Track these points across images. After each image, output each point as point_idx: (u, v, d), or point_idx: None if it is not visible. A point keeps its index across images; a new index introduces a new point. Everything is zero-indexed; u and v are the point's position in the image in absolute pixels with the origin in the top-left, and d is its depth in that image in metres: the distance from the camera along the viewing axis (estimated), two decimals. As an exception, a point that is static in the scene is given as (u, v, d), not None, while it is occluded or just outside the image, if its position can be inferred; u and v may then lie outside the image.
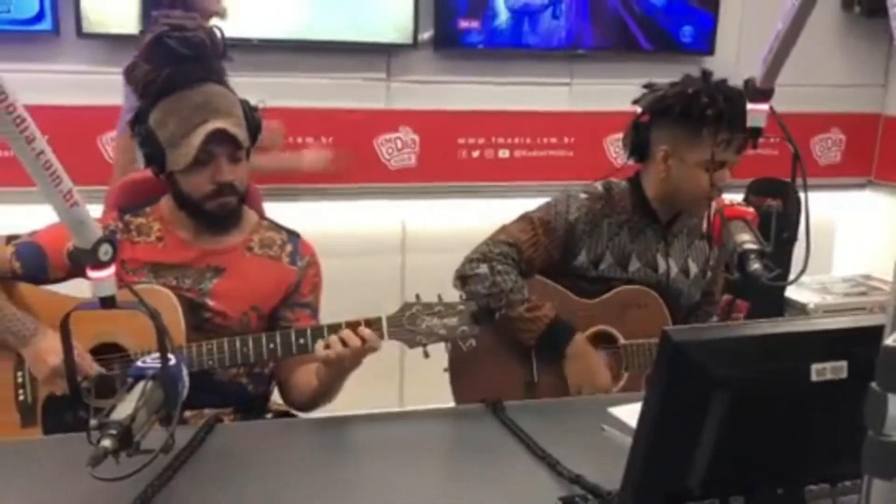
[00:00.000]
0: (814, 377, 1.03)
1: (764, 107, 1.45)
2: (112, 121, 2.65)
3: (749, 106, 1.46)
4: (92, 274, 1.16)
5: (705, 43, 3.11)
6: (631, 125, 1.85)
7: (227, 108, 1.62)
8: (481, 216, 2.72)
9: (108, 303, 1.17)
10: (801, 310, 3.05)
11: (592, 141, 3.10)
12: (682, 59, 2.98)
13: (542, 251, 1.84)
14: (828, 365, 1.02)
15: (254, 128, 1.67)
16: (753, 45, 3.12)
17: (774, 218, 1.48)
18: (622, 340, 1.84)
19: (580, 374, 1.79)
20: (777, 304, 3.03)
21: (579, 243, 1.84)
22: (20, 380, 1.61)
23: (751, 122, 1.46)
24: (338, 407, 1.66)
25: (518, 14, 2.95)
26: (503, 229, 1.87)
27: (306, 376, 1.65)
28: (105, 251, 1.15)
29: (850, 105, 3.36)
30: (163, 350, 1.19)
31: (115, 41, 2.60)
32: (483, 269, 1.79)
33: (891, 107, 3.43)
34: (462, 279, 1.82)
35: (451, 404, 1.84)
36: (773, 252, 1.45)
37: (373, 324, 1.55)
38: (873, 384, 0.75)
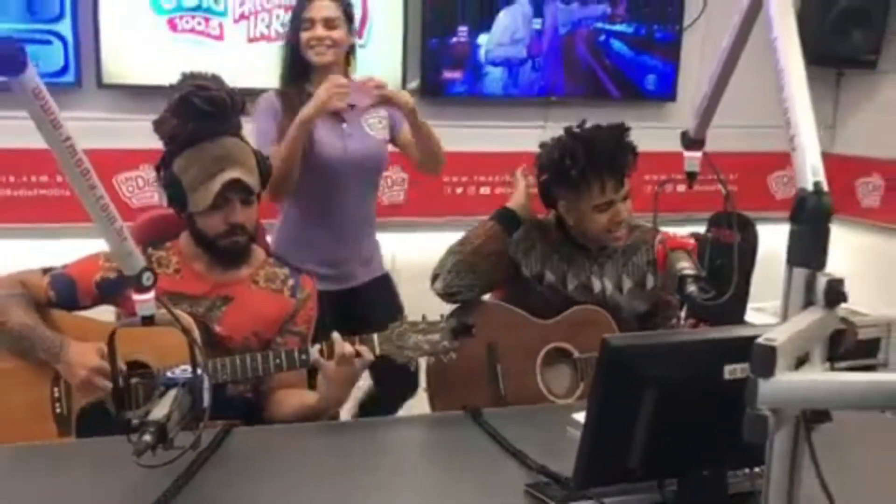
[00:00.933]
0: (726, 376, 1.27)
1: (698, 154, 1.70)
2: (127, 162, 2.91)
3: (686, 153, 1.72)
4: (136, 297, 1.37)
5: (668, 90, 3.38)
6: (536, 183, 2.11)
7: (243, 158, 1.85)
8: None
9: (148, 321, 1.40)
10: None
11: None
12: (647, 105, 3.24)
13: (494, 265, 2.05)
14: (738, 366, 1.25)
15: (265, 174, 1.91)
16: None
17: (708, 248, 1.72)
18: (576, 354, 2.05)
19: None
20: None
21: (520, 262, 2.07)
22: (56, 394, 1.80)
23: (687, 167, 1.71)
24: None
25: (498, 66, 3.21)
26: (465, 240, 2.10)
27: (292, 394, 1.85)
28: (147, 277, 1.37)
29: (803, 145, 3.63)
30: (193, 361, 1.41)
31: (132, 91, 2.83)
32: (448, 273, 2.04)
33: (838, 146, 3.71)
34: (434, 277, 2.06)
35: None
36: (735, 280, 1.66)
37: (366, 341, 1.77)
38: (750, 371, 0.99)
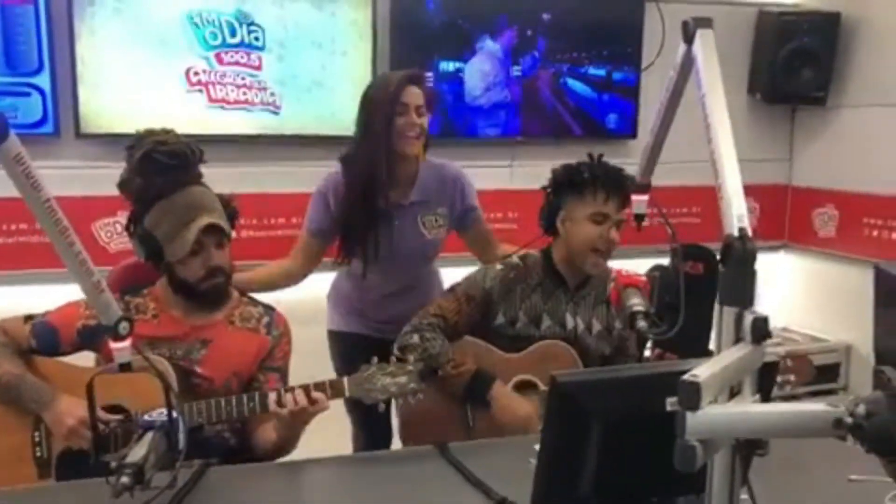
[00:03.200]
0: (669, 408, 1.35)
1: (644, 197, 1.81)
2: (105, 209, 2.96)
3: (634, 197, 1.82)
4: (113, 345, 1.45)
5: (628, 128, 3.51)
6: (543, 202, 2.24)
7: (211, 204, 1.94)
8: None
9: (125, 368, 1.47)
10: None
11: (533, 214, 3.46)
12: (609, 142, 3.36)
13: (464, 316, 2.17)
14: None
15: (231, 217, 1.99)
16: (672, 127, 3.53)
17: (657, 284, 1.82)
18: (542, 387, 2.14)
19: (503, 411, 2.09)
20: (702, 356, 3.36)
21: (495, 306, 2.18)
22: (37, 439, 1.86)
23: (635, 209, 1.82)
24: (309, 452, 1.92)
25: (467, 109, 3.34)
26: (434, 302, 2.23)
27: (268, 431, 1.91)
28: (124, 327, 1.44)
29: (761, 177, 3.74)
30: (169, 405, 1.48)
31: (109, 140, 2.87)
32: (415, 338, 2.12)
33: (796, 178, 3.83)
34: (400, 349, 2.12)
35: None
36: (696, 314, 1.76)
37: (335, 384, 1.84)
38: (678, 405, 1.08)
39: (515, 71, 3.35)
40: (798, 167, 3.83)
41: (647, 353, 2.36)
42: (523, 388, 2.17)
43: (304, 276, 2.40)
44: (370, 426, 2.49)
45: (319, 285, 2.61)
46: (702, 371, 1.07)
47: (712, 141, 1.36)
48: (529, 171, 3.39)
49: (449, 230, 2.45)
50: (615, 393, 1.36)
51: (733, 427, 1.08)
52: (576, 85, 3.43)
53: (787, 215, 3.86)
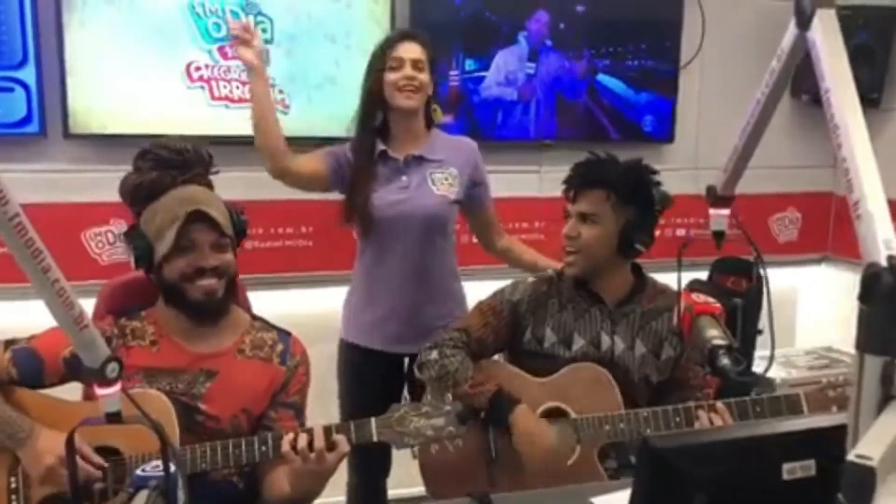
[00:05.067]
0: (785, 476, 1.11)
1: (725, 211, 1.56)
2: (96, 216, 2.74)
3: (711, 211, 1.57)
4: (99, 391, 1.21)
5: (666, 131, 3.27)
6: None
7: (208, 199, 1.71)
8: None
9: (114, 418, 1.22)
10: (768, 384, 3.14)
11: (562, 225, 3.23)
12: (645, 148, 3.09)
13: (490, 332, 2.00)
14: (797, 464, 1.10)
15: (238, 225, 1.75)
16: (712, 131, 3.29)
17: (740, 313, 1.57)
18: (572, 414, 1.91)
19: (520, 439, 1.87)
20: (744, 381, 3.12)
21: (523, 321, 1.99)
22: (13, 485, 1.63)
23: (714, 226, 1.57)
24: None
25: (493, 109, 3.10)
26: (459, 318, 2.08)
27: (279, 480, 1.69)
28: (112, 369, 1.20)
29: (804, 185, 3.54)
30: (166, 463, 1.23)
31: (100, 141, 2.67)
32: (433, 354, 1.95)
33: (842, 186, 3.61)
34: (418, 366, 1.98)
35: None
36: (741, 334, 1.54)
37: (361, 427, 1.62)
38: (840, 495, 0.83)
39: (531, 68, 3.12)
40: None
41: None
42: (553, 415, 1.94)
43: (286, 164, 2.31)
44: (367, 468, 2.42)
45: (333, 298, 2.48)
46: (871, 449, 0.82)
47: (843, 147, 1.12)
48: (559, 178, 3.18)
49: (459, 196, 2.36)
50: (721, 459, 1.11)
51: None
52: (610, 82, 3.20)
53: (830, 225, 3.62)
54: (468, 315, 2.07)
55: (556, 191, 3.21)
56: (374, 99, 2.28)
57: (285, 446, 1.59)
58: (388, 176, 2.30)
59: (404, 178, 2.31)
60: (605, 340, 1.98)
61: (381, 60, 2.27)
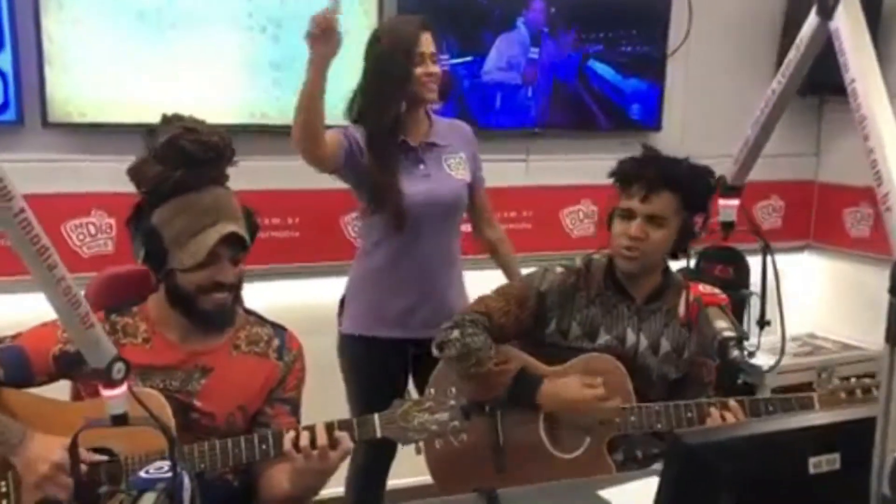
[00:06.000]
0: (812, 470, 1.10)
1: (734, 202, 1.54)
2: (77, 207, 2.65)
3: (721, 201, 1.56)
4: (105, 392, 1.17)
5: (652, 119, 3.26)
6: None
7: (235, 211, 1.66)
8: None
9: (119, 421, 1.17)
10: (757, 371, 3.15)
11: (550, 214, 3.21)
12: (633, 135, 3.08)
13: (513, 319, 1.96)
14: (823, 458, 1.09)
15: (252, 230, 1.71)
16: (697, 119, 3.29)
17: (749, 303, 1.56)
18: None
19: (562, 404, 1.88)
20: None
21: (549, 313, 1.96)
22: (3, 489, 1.57)
23: (723, 216, 1.55)
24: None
25: (484, 96, 3.06)
26: (480, 300, 2.01)
27: (278, 478, 1.65)
28: (118, 370, 1.16)
29: (787, 174, 3.55)
30: (174, 465, 1.19)
31: (81, 130, 2.59)
32: (455, 333, 1.91)
33: (823, 174, 3.64)
34: (438, 346, 1.93)
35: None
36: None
37: (364, 423, 1.58)
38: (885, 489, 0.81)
39: (535, 53, 3.08)
40: (826, 163, 3.64)
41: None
42: None
43: (325, 149, 2.18)
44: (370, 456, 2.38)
45: (330, 291, 2.42)
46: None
47: (870, 138, 1.10)
48: (546, 166, 3.17)
49: (470, 179, 2.39)
50: (749, 453, 1.09)
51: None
52: (601, 68, 3.17)
53: (812, 213, 3.65)
54: (491, 298, 2.00)
55: (544, 179, 3.23)
56: (400, 90, 2.24)
57: (287, 444, 1.55)
58: (408, 165, 2.29)
59: (422, 165, 2.31)
60: (631, 337, 1.97)
61: (408, 55, 2.22)
